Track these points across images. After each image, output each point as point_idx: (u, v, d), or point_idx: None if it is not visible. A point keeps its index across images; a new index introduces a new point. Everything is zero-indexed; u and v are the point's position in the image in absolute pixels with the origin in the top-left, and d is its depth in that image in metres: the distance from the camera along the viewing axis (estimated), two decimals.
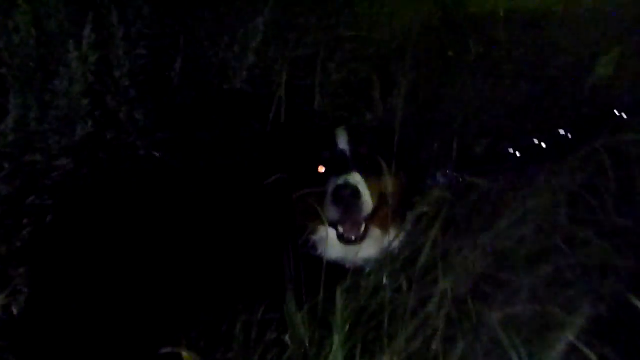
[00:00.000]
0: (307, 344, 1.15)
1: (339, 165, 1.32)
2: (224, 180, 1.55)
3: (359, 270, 1.40)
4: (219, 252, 1.48)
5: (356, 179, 1.28)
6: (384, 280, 1.32)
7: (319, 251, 1.35)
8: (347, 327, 1.16)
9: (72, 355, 1.49)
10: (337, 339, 1.07)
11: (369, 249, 1.39)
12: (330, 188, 1.26)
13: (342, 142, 1.37)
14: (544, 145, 1.39)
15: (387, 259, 1.29)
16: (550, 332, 1.34)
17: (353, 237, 1.30)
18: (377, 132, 1.50)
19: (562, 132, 1.47)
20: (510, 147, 1.41)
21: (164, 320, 1.47)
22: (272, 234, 1.35)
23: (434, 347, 1.29)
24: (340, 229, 1.30)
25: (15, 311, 1.59)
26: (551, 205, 1.30)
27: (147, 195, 1.66)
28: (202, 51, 1.69)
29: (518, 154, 1.39)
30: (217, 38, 1.66)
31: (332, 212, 1.28)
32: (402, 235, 1.38)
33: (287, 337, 1.15)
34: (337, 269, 1.38)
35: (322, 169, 1.33)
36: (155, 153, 1.77)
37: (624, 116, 1.70)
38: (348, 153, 1.35)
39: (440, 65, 1.81)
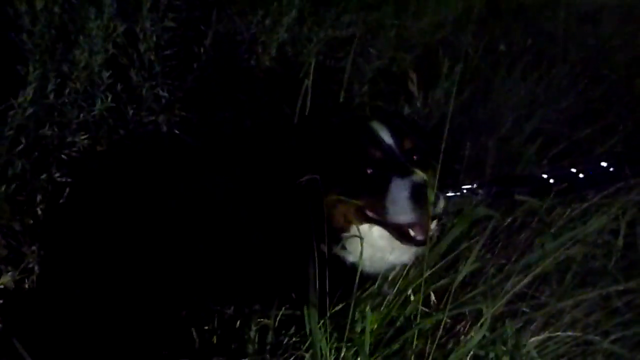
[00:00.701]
0: None
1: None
2: (248, 167, 1.46)
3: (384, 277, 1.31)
4: (235, 243, 1.39)
5: (424, 177, 1.15)
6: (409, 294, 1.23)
7: (350, 255, 1.25)
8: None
9: (80, 333, 1.44)
10: None
11: (403, 255, 1.28)
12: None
13: (387, 138, 1.24)
14: (602, 160, 1.27)
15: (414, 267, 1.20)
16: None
17: (423, 239, 1.19)
18: (414, 126, 1.39)
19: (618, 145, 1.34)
20: (561, 159, 1.28)
21: (175, 305, 1.40)
22: (296, 233, 1.26)
23: None
24: (411, 231, 1.18)
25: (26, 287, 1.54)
26: (605, 227, 1.19)
27: (167, 176, 1.57)
28: (232, 26, 1.57)
29: (572, 168, 1.26)
30: (249, 11, 1.55)
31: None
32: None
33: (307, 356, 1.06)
34: (364, 274, 1.29)
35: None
36: (177, 132, 1.68)
37: None
38: (396, 149, 1.23)
39: (488, 60, 1.66)
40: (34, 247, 1.53)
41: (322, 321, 1.14)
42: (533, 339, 1.21)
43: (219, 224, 1.37)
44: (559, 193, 1.22)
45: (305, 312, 1.09)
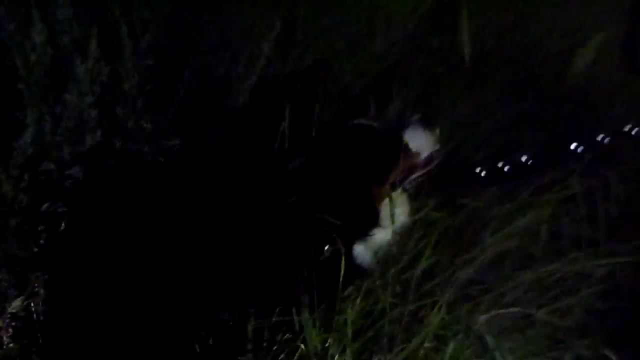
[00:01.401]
0: (319, 349, 1.29)
1: None
2: (232, 190, 1.65)
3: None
4: (228, 256, 1.59)
5: None
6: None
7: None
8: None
9: (88, 352, 1.61)
10: (349, 350, 1.21)
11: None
12: None
13: None
14: (529, 160, 1.53)
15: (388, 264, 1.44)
16: (530, 332, 1.51)
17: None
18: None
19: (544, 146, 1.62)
20: (500, 163, 1.54)
21: (175, 319, 1.59)
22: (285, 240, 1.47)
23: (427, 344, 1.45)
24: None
25: (33, 310, 1.69)
26: (534, 220, 1.46)
27: (155, 199, 1.75)
28: (207, 65, 1.76)
29: (507, 169, 1.52)
30: (222, 55, 1.74)
31: None
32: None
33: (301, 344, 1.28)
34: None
35: None
36: (161, 159, 1.86)
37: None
38: None
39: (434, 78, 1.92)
40: (38, 273, 1.70)
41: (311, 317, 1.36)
42: (482, 317, 1.47)
43: (212, 234, 1.57)
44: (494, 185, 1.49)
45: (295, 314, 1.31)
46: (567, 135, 1.56)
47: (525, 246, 1.48)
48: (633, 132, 1.48)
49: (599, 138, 1.49)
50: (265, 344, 1.41)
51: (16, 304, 1.64)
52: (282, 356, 1.39)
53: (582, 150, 1.49)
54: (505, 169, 1.53)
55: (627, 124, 1.59)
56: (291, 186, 1.41)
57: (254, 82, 1.68)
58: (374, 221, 1.40)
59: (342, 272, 1.35)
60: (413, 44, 1.99)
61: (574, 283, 1.46)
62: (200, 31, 1.74)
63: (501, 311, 1.48)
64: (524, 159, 1.54)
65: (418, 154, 1.43)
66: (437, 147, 1.42)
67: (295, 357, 1.38)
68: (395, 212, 1.38)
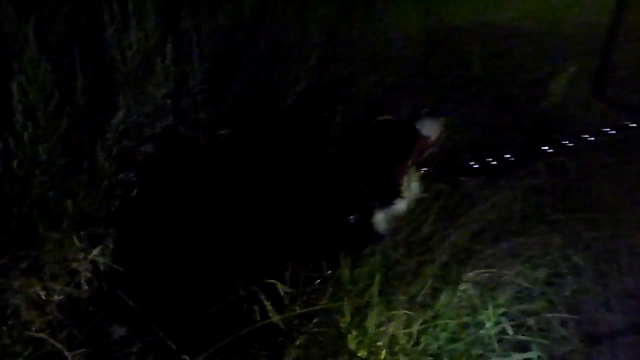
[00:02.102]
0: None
1: None
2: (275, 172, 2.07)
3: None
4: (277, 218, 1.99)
5: None
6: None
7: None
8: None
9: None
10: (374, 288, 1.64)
11: None
12: None
13: None
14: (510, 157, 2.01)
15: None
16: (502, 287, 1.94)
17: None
18: None
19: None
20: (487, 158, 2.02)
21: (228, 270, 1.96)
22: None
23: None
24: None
25: (103, 262, 2.08)
26: (510, 200, 1.92)
27: (209, 177, 2.17)
28: (259, 70, 2.21)
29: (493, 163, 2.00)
30: (272, 63, 2.20)
31: None
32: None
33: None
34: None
35: None
36: (213, 145, 2.28)
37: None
38: None
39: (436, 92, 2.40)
40: (111, 230, 2.09)
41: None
42: (468, 274, 1.90)
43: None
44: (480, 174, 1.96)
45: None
46: (539, 140, 2.03)
47: (503, 220, 1.93)
48: (591, 138, 1.97)
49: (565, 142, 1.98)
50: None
51: (95, 253, 2.02)
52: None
53: (550, 151, 1.96)
54: (492, 163, 2.00)
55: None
56: (332, 165, 1.85)
57: (302, 87, 2.13)
58: (396, 193, 1.85)
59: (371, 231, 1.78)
60: (419, 63, 2.48)
61: (538, 252, 1.92)
62: (255, 42, 2.19)
63: (482, 271, 1.92)
64: (506, 155, 2.02)
65: (428, 137, 1.90)
66: (441, 132, 1.90)
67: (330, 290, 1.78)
68: (411, 186, 1.83)
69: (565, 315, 1.90)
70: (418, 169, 1.98)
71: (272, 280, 1.75)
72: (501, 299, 1.87)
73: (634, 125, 2.13)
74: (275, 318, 1.56)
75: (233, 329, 1.53)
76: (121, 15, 2.01)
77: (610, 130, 2.08)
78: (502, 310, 1.86)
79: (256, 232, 1.98)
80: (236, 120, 2.23)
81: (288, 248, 1.89)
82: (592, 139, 2.02)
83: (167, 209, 2.10)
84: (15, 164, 1.70)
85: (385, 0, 2.78)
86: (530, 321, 1.78)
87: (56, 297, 1.84)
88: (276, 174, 2.04)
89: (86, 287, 2.01)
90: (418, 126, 1.95)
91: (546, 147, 2.00)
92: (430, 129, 1.95)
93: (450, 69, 2.68)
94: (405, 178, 1.91)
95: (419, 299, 1.85)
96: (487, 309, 1.81)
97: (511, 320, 1.85)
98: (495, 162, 1.98)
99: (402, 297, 1.82)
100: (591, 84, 3.15)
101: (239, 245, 1.99)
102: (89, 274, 2.04)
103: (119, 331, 1.83)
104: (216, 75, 2.24)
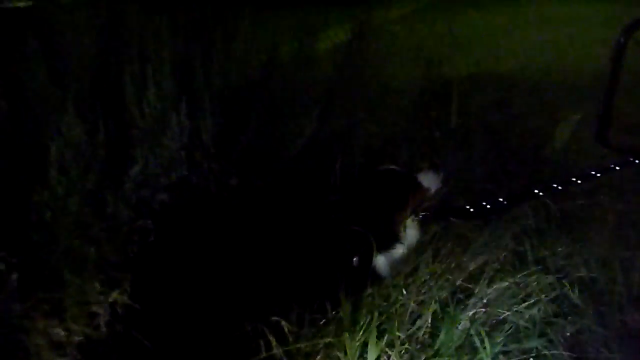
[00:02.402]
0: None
1: None
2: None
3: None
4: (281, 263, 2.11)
5: None
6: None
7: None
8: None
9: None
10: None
11: None
12: None
13: None
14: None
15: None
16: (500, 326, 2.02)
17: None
18: None
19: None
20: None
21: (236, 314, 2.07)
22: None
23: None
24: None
25: (121, 304, 2.20)
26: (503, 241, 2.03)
27: (220, 223, 2.31)
28: (265, 122, 2.39)
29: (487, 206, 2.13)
30: (277, 116, 2.37)
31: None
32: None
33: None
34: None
35: None
36: (224, 193, 2.44)
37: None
38: None
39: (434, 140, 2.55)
40: (128, 274, 2.23)
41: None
42: (467, 313, 1.99)
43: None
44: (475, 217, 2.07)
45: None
46: (531, 184, 2.15)
47: (498, 260, 2.03)
48: (578, 181, 2.08)
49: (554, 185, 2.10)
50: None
51: (114, 296, 2.16)
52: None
53: (540, 194, 2.08)
54: (487, 206, 2.12)
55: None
56: (335, 211, 1.99)
57: (305, 138, 2.29)
58: (395, 238, 1.97)
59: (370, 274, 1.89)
60: (419, 114, 2.64)
61: (534, 289, 2.00)
62: (263, 98, 2.37)
63: (481, 310, 2.00)
64: (500, 199, 2.13)
65: (428, 189, 2.03)
66: (440, 184, 2.03)
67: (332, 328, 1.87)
68: (409, 232, 1.96)
69: (564, 353, 1.96)
70: (416, 216, 2.10)
71: (277, 318, 1.86)
72: (499, 338, 1.95)
73: (619, 167, 2.23)
74: (280, 351, 1.66)
75: None
76: (140, 76, 2.21)
77: (597, 173, 2.17)
78: (500, 348, 1.93)
79: (263, 274, 2.10)
80: (245, 170, 2.39)
81: (293, 290, 2.00)
82: (579, 181, 2.12)
83: (181, 253, 2.24)
84: (48, 215, 1.87)
85: (387, 52, 2.96)
86: None
87: (76, 338, 1.96)
88: (282, 220, 2.17)
89: (105, 328, 2.14)
90: (419, 178, 2.10)
91: (537, 191, 2.11)
92: (430, 181, 2.09)
93: (450, 119, 2.84)
94: (404, 224, 2.03)
95: (419, 337, 1.94)
96: (485, 347, 1.89)
97: (510, 359, 1.92)
98: (489, 206, 2.09)
99: (401, 335, 1.91)
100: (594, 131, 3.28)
101: (247, 287, 2.10)
102: (107, 316, 2.17)
103: None
104: (227, 129, 2.41)
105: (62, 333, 1.93)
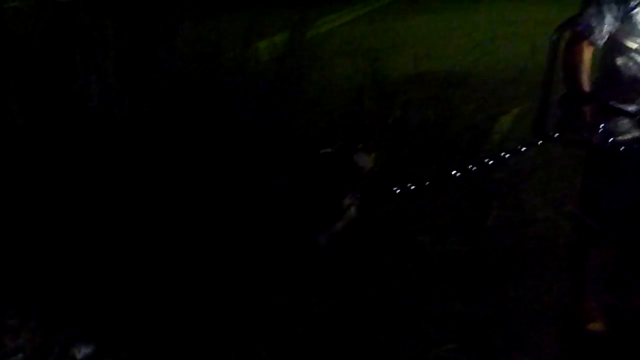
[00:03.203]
0: None
1: None
2: None
3: None
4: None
5: None
6: None
7: None
8: None
9: None
10: None
11: None
12: None
13: None
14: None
15: None
16: None
17: None
18: None
19: None
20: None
21: None
22: None
23: None
24: None
25: None
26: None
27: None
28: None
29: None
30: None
31: None
32: None
33: None
34: None
35: None
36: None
37: None
38: None
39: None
40: None
41: None
42: None
43: None
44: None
45: None
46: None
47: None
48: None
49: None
50: None
51: None
52: None
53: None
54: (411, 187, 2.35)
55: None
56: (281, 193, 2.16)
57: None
58: (338, 215, 2.16)
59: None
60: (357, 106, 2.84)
61: None
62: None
63: None
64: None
65: (362, 168, 2.22)
66: (373, 164, 2.23)
67: None
68: (348, 209, 2.15)
69: None
70: (353, 195, 2.28)
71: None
72: None
73: (525, 147, 2.57)
74: None
75: None
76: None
77: (506, 154, 2.51)
78: None
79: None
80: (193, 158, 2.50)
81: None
82: (491, 162, 2.48)
83: None
84: None
85: (329, 50, 3.14)
86: None
87: None
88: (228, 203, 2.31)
89: None
90: (354, 158, 2.28)
91: (455, 172, 2.36)
92: (364, 161, 2.28)
93: (387, 113, 3.03)
94: (343, 202, 2.22)
95: None
96: None
97: None
98: (413, 187, 2.33)
99: None
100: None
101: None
102: None
103: None
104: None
105: None
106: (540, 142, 2.57)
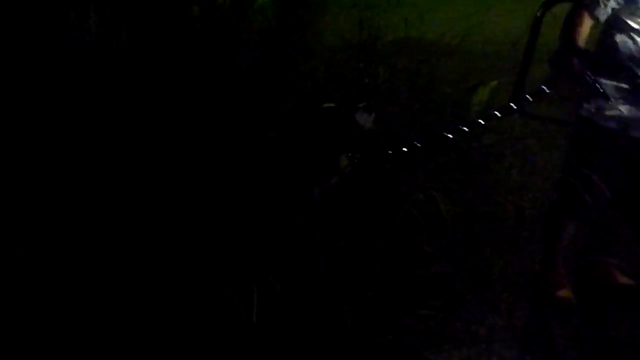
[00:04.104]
0: None
1: None
2: None
3: None
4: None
5: None
6: None
7: None
8: None
9: None
10: None
11: None
12: None
13: None
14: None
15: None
16: None
17: None
18: None
19: None
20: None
21: None
22: None
23: None
24: None
25: None
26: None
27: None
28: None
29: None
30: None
31: None
32: None
33: None
34: None
35: None
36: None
37: None
38: None
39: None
40: None
41: None
42: None
43: None
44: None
45: None
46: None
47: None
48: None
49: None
50: None
51: None
52: None
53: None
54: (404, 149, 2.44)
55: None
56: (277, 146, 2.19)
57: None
58: (335, 170, 2.22)
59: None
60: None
61: None
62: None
63: None
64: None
65: (363, 126, 2.29)
66: (372, 124, 2.30)
67: None
68: (343, 166, 2.21)
69: None
70: (350, 153, 2.34)
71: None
72: None
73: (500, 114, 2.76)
74: None
75: None
76: None
77: (483, 122, 2.75)
78: None
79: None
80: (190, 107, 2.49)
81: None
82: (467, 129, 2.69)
83: None
84: None
85: (324, 12, 3.15)
86: None
87: None
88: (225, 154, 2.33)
89: None
90: (356, 116, 2.36)
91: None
92: (364, 120, 2.35)
93: (377, 76, 3.08)
94: (340, 158, 2.28)
95: None
96: None
97: None
98: (406, 149, 2.40)
99: None
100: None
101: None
102: None
103: None
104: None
105: None
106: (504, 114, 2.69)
